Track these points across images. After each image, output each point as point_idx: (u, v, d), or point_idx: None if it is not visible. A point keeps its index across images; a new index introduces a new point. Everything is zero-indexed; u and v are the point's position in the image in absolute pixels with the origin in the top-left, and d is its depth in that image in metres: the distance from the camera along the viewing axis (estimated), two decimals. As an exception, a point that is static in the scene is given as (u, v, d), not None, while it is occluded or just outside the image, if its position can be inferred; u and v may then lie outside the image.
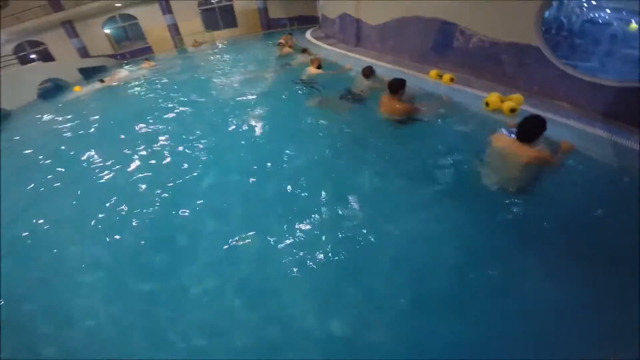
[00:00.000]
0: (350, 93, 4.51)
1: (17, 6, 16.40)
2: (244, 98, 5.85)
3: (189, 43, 17.91)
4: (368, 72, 4.46)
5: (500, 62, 4.66)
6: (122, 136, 5.16)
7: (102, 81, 10.53)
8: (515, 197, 2.48)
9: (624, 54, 4.71)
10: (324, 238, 2.40)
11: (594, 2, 6.22)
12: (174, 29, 18.47)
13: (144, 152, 4.33)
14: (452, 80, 4.58)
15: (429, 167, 3.00)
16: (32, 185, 4.09)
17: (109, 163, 4.22)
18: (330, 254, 2.27)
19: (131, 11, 17.94)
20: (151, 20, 18.23)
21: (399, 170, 3.04)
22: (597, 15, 6.84)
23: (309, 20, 16.96)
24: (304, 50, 7.62)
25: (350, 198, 2.73)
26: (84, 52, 18.12)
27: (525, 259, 2.09)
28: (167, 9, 18.04)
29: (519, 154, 2.43)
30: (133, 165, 4.05)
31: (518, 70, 4.49)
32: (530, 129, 2.42)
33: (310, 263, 2.22)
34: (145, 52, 18.53)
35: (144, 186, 3.56)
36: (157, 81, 9.33)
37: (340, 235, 2.41)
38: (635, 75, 3.91)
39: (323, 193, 2.84)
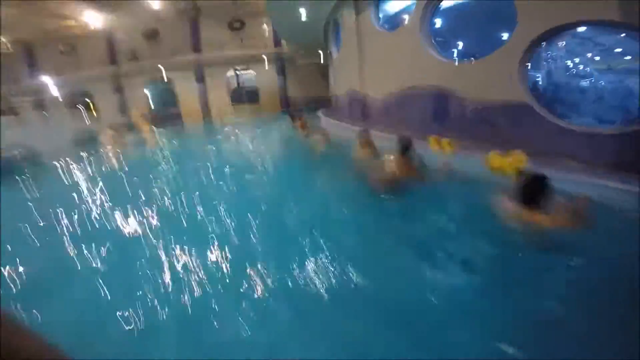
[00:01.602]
0: None
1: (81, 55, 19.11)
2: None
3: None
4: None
5: (496, 124, 4.94)
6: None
7: None
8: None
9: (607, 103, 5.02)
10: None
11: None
12: (204, 99, 20.14)
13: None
14: (449, 144, 4.83)
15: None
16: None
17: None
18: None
19: (171, 75, 19.78)
20: (186, 88, 20.03)
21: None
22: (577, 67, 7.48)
23: (323, 102, 18.64)
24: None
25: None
26: (123, 109, 19.81)
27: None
28: (200, 78, 19.91)
29: (532, 219, 2.30)
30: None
31: (513, 130, 4.71)
32: (532, 189, 2.34)
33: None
34: (175, 119, 19.85)
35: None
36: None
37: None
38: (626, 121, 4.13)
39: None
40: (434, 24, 6.42)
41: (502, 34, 7.06)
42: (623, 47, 6.87)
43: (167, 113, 20.36)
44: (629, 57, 6.85)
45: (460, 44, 9.38)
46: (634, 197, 2.94)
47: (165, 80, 20.18)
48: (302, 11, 10.31)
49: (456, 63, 5.97)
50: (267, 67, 20.40)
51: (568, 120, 4.33)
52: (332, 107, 14.13)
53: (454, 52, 8.62)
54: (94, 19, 18.37)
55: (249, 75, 21.17)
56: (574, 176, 3.46)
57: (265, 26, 20.27)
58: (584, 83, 5.77)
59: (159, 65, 19.26)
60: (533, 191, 2.35)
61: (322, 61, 16.82)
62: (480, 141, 5.12)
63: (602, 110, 4.84)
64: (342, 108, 10.87)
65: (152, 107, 20.90)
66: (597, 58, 6.91)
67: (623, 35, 6.30)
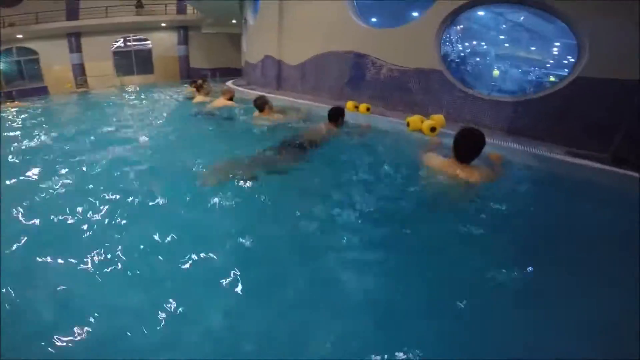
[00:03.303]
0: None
1: None
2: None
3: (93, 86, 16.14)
4: (260, 102, 4.13)
5: (409, 90, 4.97)
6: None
7: None
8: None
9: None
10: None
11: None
12: (80, 69, 16.71)
13: None
14: (368, 109, 4.62)
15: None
16: None
17: None
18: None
19: (32, 45, 15.85)
20: (54, 57, 16.21)
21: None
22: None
23: (233, 73, 17.19)
24: (201, 87, 6.70)
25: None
26: None
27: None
28: (76, 47, 16.44)
29: (462, 176, 2.14)
30: None
31: (426, 96, 4.81)
32: (470, 147, 2.16)
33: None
34: (38, 93, 15.90)
35: None
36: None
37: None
38: (523, 90, 4.54)
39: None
40: None
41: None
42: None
43: (26, 87, 16.22)
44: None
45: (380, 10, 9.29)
46: (534, 157, 3.15)
47: (24, 50, 16.02)
48: None
49: (376, 29, 5.70)
50: (164, 35, 17.73)
51: (473, 88, 4.50)
52: (241, 76, 13.08)
53: (373, 18, 8.45)
54: None
55: (142, 44, 18.02)
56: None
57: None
58: (490, 57, 6.23)
59: (18, 35, 14.96)
60: (470, 147, 2.19)
61: (237, 30, 15.25)
62: (394, 105, 5.16)
63: (502, 82, 5.27)
64: (254, 76, 9.99)
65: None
66: (503, 37, 7.45)
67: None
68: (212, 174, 2.48)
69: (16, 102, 10.29)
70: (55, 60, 16.34)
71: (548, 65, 4.79)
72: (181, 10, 17.27)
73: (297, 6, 7.20)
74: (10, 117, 8.18)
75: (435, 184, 2.26)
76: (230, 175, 2.42)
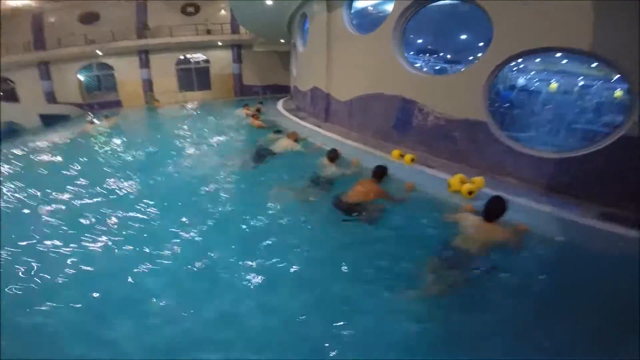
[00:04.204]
0: (319, 178, 4.41)
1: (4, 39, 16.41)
2: (200, 173, 5.38)
3: (163, 101, 18.04)
4: (333, 155, 4.64)
5: (454, 139, 5.11)
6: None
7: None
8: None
9: (556, 121, 5.55)
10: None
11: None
12: (148, 84, 18.76)
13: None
14: (412, 160, 4.95)
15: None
16: None
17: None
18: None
19: (110, 61, 18.17)
20: (127, 72, 18.42)
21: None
22: (526, 81, 8.13)
23: (281, 90, 18.20)
24: (277, 132, 7.22)
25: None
26: (51, 97, 17.62)
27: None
28: (145, 63, 18.51)
29: (489, 232, 2.74)
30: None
31: (470, 146, 4.91)
32: (495, 210, 2.79)
33: None
34: (114, 106, 18.28)
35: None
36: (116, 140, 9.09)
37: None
38: (569, 145, 4.55)
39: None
40: (407, 33, 6.15)
41: (472, 53, 7.20)
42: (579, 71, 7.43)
43: (104, 99, 18.64)
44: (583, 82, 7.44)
45: (429, 56, 9.57)
46: (562, 223, 3.32)
47: (103, 65, 18.35)
48: (268, 1, 9.74)
49: (424, 76, 5.84)
50: (221, 54, 19.22)
51: (516, 140, 4.61)
52: (291, 98, 13.87)
53: (421, 63, 8.68)
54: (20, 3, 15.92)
55: (201, 61, 19.72)
56: (517, 200, 3.73)
57: (222, 12, 18.98)
58: (537, 104, 6.26)
59: (98, 51, 17.27)
60: (494, 209, 2.81)
61: (285, 48, 16.23)
62: (438, 152, 5.39)
63: (548, 132, 5.29)
64: (303, 103, 10.64)
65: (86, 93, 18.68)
66: (553, 80, 7.45)
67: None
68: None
69: (113, 118, 11.84)
70: (127, 75, 18.54)
71: (596, 122, 4.80)
72: (235, 29, 18.63)
73: (344, 43, 7.58)
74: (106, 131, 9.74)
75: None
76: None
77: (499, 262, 2.78)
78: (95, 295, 2.58)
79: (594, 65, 6.65)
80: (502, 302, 2.50)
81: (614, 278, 2.55)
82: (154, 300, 2.50)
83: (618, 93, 6.11)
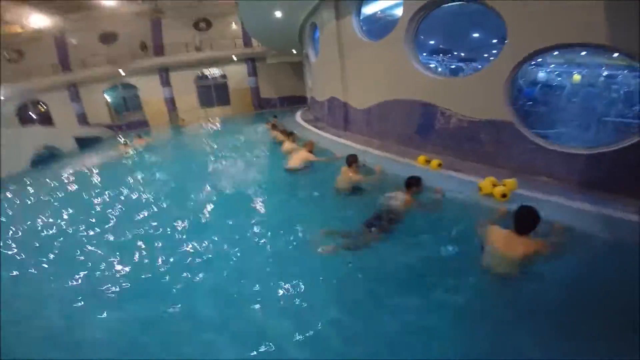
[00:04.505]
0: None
1: (29, 62, 17.82)
2: (234, 190, 5.68)
3: (187, 119, 18.73)
4: (352, 160, 4.63)
5: (480, 141, 5.03)
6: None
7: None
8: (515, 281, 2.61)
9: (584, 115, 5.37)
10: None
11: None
12: (171, 102, 19.56)
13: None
14: (439, 165, 4.94)
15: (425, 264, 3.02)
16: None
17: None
18: None
19: (133, 80, 19.08)
20: (150, 92, 19.27)
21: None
22: (547, 75, 7.85)
23: (298, 101, 18.52)
24: (291, 134, 7.64)
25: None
26: (82, 120, 18.70)
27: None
28: (166, 81, 19.29)
29: (523, 248, 2.54)
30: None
31: (497, 147, 4.83)
32: (526, 223, 2.57)
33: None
34: (141, 126, 19.14)
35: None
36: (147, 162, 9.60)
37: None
38: (600, 140, 4.37)
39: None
40: (420, 36, 6.11)
41: (487, 50, 7.12)
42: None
43: (131, 120, 19.51)
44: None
45: (442, 56, 9.53)
46: (602, 220, 3.23)
47: (127, 85, 19.21)
48: (278, 12, 9.90)
49: (442, 78, 5.77)
50: (237, 68, 19.79)
51: (544, 137, 4.53)
52: (308, 108, 14.04)
53: (435, 63, 8.60)
54: (42, 23, 16.84)
55: (218, 77, 20.40)
56: (552, 199, 3.69)
57: (234, 25, 19.61)
58: (563, 99, 6.09)
59: (120, 70, 18.15)
60: (526, 223, 2.58)
61: (297, 59, 16.55)
62: (464, 155, 5.35)
63: (578, 127, 5.16)
64: (321, 113, 10.76)
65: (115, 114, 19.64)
66: (575, 72, 7.21)
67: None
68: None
69: (144, 138, 12.47)
70: (151, 94, 19.41)
71: (625, 115, 4.65)
72: (247, 42, 19.25)
73: (357, 50, 7.57)
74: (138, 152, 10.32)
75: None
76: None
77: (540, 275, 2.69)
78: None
79: (615, 55, 6.44)
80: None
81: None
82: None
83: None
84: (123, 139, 12.20)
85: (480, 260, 2.75)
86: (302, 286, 2.84)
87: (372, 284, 2.89)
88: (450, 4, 5.57)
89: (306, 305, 2.65)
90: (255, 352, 2.23)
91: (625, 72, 6.69)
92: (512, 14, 4.33)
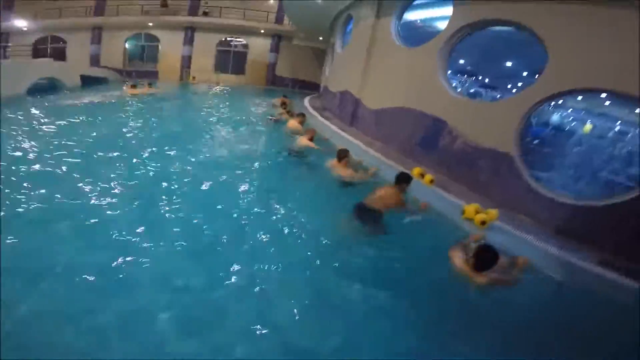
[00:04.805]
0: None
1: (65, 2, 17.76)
2: (226, 158, 5.84)
3: (198, 79, 18.58)
4: (342, 155, 4.77)
5: (477, 167, 5.08)
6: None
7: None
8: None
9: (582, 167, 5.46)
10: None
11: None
12: (187, 60, 19.36)
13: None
14: (431, 181, 5.00)
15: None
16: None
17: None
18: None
19: (158, 33, 18.95)
20: (171, 46, 19.16)
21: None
22: (562, 118, 7.87)
23: (310, 87, 18.37)
24: (300, 115, 7.84)
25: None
26: (95, 61, 18.62)
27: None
28: (189, 40, 19.11)
29: (474, 278, 2.73)
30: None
31: (491, 177, 4.90)
32: (484, 262, 2.73)
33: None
34: (150, 76, 18.90)
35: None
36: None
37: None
38: (587, 192, 4.45)
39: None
40: (455, 55, 6.05)
41: (511, 81, 7.06)
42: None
43: (142, 69, 19.41)
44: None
45: (466, 77, 9.48)
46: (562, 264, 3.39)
47: (149, 36, 19.09)
48: None
49: (461, 98, 5.72)
50: (261, 41, 19.57)
51: (538, 180, 4.58)
52: (318, 96, 13.98)
53: (456, 83, 8.52)
54: None
55: (239, 45, 20.12)
56: (526, 237, 3.79)
57: (271, 1, 19.31)
58: (567, 146, 6.13)
59: (150, 23, 18.00)
60: (484, 261, 2.73)
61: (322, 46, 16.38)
62: (457, 177, 5.41)
63: (571, 176, 5.23)
64: (331, 104, 10.72)
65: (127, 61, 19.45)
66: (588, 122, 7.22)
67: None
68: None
69: (152, 87, 12.52)
70: (171, 49, 19.20)
71: (621, 172, 4.71)
72: (279, 20, 18.96)
73: (386, 52, 7.53)
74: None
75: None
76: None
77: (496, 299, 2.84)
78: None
79: (637, 110, 6.42)
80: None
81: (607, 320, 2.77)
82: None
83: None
84: (132, 82, 12.19)
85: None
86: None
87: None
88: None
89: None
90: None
91: (636, 130, 6.71)
92: (558, 47, 4.24)
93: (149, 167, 4.85)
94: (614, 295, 3.05)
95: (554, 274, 3.31)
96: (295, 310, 2.45)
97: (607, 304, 2.96)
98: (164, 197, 3.92)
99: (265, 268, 2.88)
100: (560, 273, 3.32)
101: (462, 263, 2.88)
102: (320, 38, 16.24)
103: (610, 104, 7.02)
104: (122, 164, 4.77)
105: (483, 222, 3.86)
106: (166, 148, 5.81)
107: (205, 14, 18.68)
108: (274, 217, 3.82)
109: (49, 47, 18.91)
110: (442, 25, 6.03)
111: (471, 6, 5.44)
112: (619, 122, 7.27)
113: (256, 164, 5.55)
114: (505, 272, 2.89)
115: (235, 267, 2.84)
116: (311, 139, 6.03)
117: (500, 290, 2.84)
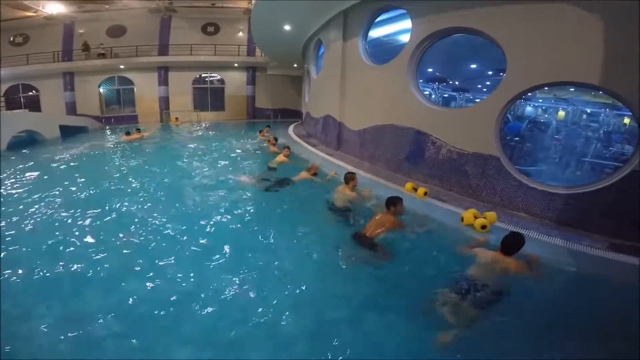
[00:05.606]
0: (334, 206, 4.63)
1: (34, 46, 17.75)
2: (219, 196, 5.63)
3: (176, 120, 18.46)
4: (350, 176, 4.81)
5: (466, 173, 5.23)
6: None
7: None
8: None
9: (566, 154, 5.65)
10: None
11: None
12: (165, 101, 19.31)
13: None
14: (425, 194, 5.07)
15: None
16: None
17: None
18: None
19: (130, 75, 18.86)
20: (146, 88, 19.06)
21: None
22: (534, 109, 8.12)
23: (292, 114, 18.68)
24: (286, 148, 7.56)
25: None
26: (71, 108, 18.20)
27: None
28: (164, 80, 19.14)
29: (507, 264, 2.89)
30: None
31: (482, 181, 5.03)
32: (512, 244, 2.93)
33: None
34: (130, 120, 18.76)
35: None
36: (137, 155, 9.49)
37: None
38: (579, 180, 4.58)
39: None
40: (422, 65, 6.28)
41: (481, 82, 7.32)
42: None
43: (120, 114, 19.23)
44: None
45: (437, 84, 9.79)
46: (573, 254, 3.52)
47: (123, 80, 18.98)
48: (287, 25, 10.06)
49: (438, 109, 5.95)
50: (236, 75, 19.90)
51: (527, 174, 4.76)
52: (302, 123, 14.15)
53: (430, 91, 8.81)
54: (56, 10, 17.02)
55: (215, 81, 20.39)
56: (529, 233, 3.91)
57: (240, 34, 19.91)
58: (547, 136, 6.32)
59: (121, 66, 18.02)
60: (513, 244, 2.96)
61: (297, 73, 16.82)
62: (450, 186, 5.53)
63: (558, 165, 5.43)
64: (315, 130, 10.86)
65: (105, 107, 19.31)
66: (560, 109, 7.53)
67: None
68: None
69: (141, 133, 12.36)
70: (146, 91, 19.13)
71: (605, 154, 4.94)
72: (251, 52, 19.43)
73: (359, 72, 7.74)
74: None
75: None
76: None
77: (515, 290, 2.92)
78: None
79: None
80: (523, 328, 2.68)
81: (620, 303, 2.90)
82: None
83: (627, 120, 6.11)
84: (126, 130, 12.32)
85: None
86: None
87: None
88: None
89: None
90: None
91: (607, 110, 7.00)
92: (515, 49, 4.54)
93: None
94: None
95: (565, 266, 3.35)
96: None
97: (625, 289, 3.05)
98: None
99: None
100: (573, 263, 3.38)
101: (489, 252, 3.04)
102: (295, 65, 16.65)
103: (574, 90, 7.36)
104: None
105: (484, 227, 3.93)
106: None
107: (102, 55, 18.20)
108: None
109: (22, 97, 18.33)
110: (406, 38, 6.26)
111: (427, 19, 5.73)
112: (588, 105, 7.54)
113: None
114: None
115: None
116: (315, 175, 5.93)
117: (524, 282, 2.95)
